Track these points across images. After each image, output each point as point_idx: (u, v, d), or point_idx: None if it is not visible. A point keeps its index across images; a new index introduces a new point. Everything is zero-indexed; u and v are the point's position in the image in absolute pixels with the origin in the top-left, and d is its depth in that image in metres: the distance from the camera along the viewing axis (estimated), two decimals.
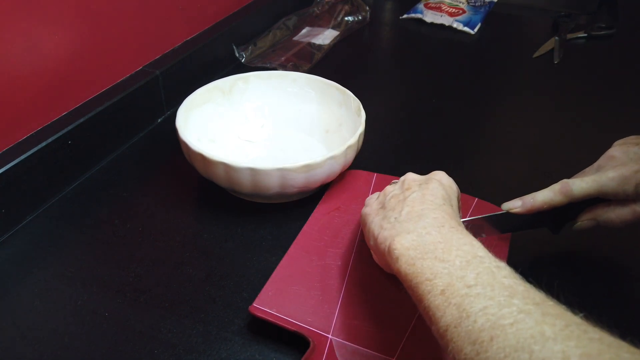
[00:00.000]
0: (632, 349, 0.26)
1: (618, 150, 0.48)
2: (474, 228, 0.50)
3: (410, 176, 0.46)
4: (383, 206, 0.44)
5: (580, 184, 0.46)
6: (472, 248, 0.36)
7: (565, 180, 0.47)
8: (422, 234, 0.38)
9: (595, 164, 0.49)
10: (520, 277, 0.33)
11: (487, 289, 0.31)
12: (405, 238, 0.38)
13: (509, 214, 0.49)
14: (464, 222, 0.49)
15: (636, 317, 0.47)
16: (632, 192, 0.45)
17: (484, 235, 0.51)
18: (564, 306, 0.30)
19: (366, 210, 0.46)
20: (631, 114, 0.78)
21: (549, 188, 0.47)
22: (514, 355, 0.27)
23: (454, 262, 0.34)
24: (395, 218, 0.41)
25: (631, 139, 0.50)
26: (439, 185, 0.43)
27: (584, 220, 0.49)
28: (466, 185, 0.60)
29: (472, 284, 0.32)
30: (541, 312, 0.29)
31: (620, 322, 0.27)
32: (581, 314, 0.29)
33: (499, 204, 0.56)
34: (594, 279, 0.51)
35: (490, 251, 0.36)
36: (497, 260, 0.35)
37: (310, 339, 0.43)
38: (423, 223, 0.39)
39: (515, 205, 0.49)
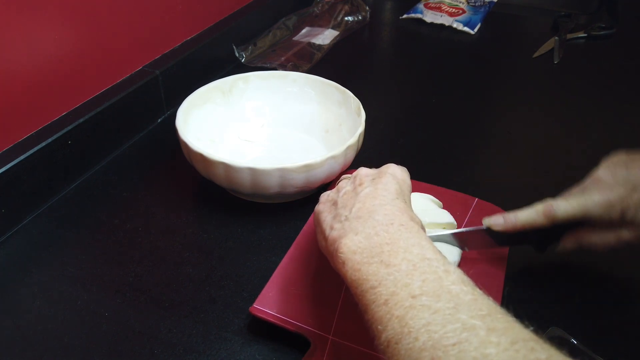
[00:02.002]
0: None
1: (605, 172, 0.46)
2: (458, 241, 0.50)
3: (363, 171, 0.44)
4: (335, 203, 0.42)
5: (565, 207, 0.44)
6: (421, 250, 0.34)
7: (549, 202, 0.45)
8: (370, 235, 0.36)
9: (582, 185, 0.47)
10: (470, 281, 0.32)
11: (432, 299, 0.30)
12: (352, 240, 0.36)
13: (487, 231, 0.48)
14: (448, 234, 0.49)
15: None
16: (617, 217, 0.44)
17: (466, 249, 0.50)
18: (512, 318, 0.28)
19: (319, 207, 0.44)
20: (631, 113, 0.78)
21: (532, 208, 0.46)
22: None
23: (400, 267, 0.32)
24: (346, 216, 0.39)
25: (619, 158, 0.47)
26: (392, 179, 0.41)
27: (567, 243, 0.48)
28: (466, 185, 0.60)
29: (417, 293, 0.30)
30: (487, 328, 0.27)
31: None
32: (531, 328, 0.28)
33: (498, 204, 0.56)
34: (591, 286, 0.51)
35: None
36: (446, 262, 0.33)
37: (310, 340, 0.43)
38: (372, 222, 0.37)
39: (497, 222, 0.47)
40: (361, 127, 0.58)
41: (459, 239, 0.50)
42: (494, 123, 0.76)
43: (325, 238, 0.40)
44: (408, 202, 0.41)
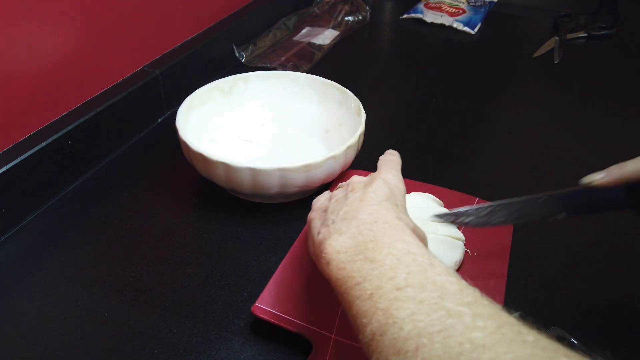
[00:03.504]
0: (569, 353, 0.25)
1: None
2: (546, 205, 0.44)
3: (356, 178, 0.43)
4: (326, 210, 0.42)
5: None
6: (405, 245, 0.33)
7: None
8: (355, 234, 0.35)
9: None
10: (455, 273, 0.31)
11: (417, 290, 0.29)
12: (336, 240, 0.36)
13: (585, 192, 0.43)
14: (530, 198, 0.45)
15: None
16: None
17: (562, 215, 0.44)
18: (498, 305, 0.28)
19: (311, 215, 0.44)
20: (631, 113, 0.78)
21: (638, 157, 0.41)
22: None
23: (384, 262, 0.32)
24: (333, 220, 0.39)
25: None
26: (382, 184, 0.40)
27: None
28: (466, 185, 0.60)
29: (402, 285, 0.30)
30: (473, 314, 0.27)
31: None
32: (517, 313, 0.28)
33: None
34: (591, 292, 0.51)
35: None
36: (432, 256, 0.33)
37: (312, 341, 0.43)
38: (356, 222, 0.36)
39: (596, 177, 0.42)
40: (361, 127, 0.58)
41: (548, 203, 0.45)
42: (494, 123, 0.76)
43: (313, 243, 0.40)
44: (400, 206, 0.40)
